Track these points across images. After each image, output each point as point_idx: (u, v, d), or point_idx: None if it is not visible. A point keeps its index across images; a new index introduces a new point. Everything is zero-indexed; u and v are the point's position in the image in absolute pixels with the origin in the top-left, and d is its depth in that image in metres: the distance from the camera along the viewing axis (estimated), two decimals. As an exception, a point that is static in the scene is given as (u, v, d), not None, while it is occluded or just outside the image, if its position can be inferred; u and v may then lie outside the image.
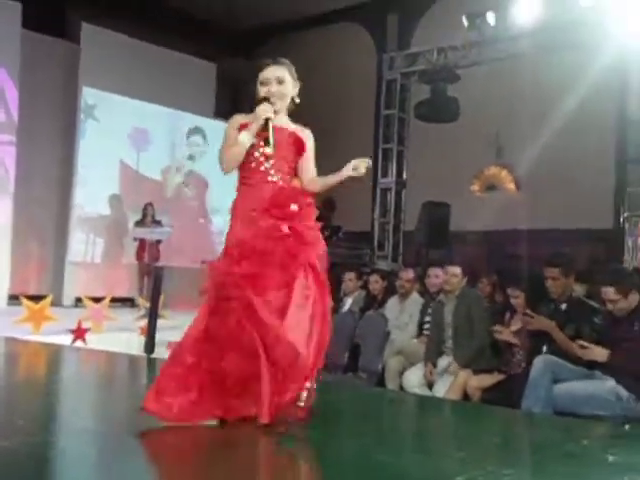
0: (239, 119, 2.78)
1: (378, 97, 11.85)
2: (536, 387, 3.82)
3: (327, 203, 10.28)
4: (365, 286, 6.31)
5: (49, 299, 6.44)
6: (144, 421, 2.55)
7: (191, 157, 11.98)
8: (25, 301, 6.21)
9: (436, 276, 5.53)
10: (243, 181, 2.74)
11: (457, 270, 5.10)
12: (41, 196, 10.38)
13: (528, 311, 4.16)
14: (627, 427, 3.22)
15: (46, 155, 10.42)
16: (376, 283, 6.13)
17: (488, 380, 4.52)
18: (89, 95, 10.51)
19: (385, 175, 11.41)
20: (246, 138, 2.69)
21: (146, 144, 11.31)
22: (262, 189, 2.69)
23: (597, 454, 2.65)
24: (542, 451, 2.66)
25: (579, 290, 4.77)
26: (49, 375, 4.37)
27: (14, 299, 8.44)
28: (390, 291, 6.12)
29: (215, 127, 12.09)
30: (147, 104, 11.05)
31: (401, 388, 5.02)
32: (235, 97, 13.76)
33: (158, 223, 9.97)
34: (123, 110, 10.74)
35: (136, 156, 11.20)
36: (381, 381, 5.10)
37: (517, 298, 4.63)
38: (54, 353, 5.02)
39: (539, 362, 3.93)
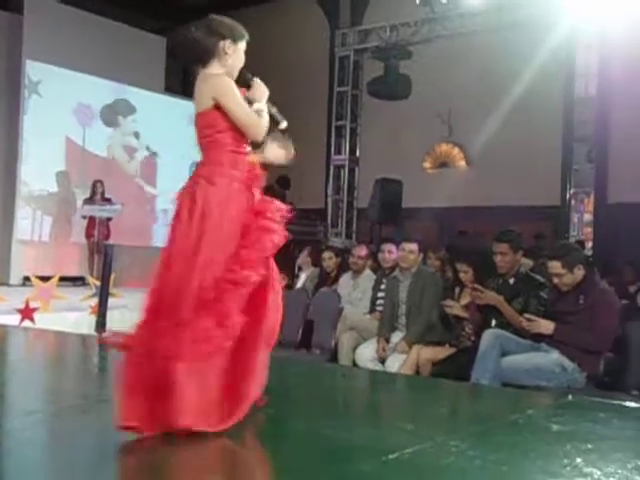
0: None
1: (331, 74, 11.81)
2: (485, 360, 3.92)
3: (281, 181, 10.24)
4: (319, 263, 6.34)
5: (-5, 278, 6.30)
6: (93, 402, 2.53)
7: (136, 134, 11.72)
8: (-30, 281, 6.05)
9: (389, 252, 5.59)
10: (231, 149, 2.49)
11: (414, 247, 5.15)
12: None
13: (477, 286, 4.23)
14: (570, 397, 3.34)
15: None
16: (330, 260, 6.16)
17: (439, 353, 4.61)
18: (33, 70, 10.17)
19: (338, 152, 11.43)
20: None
21: (92, 120, 11.04)
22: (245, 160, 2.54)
23: (542, 423, 2.74)
24: (489, 422, 2.74)
25: (526, 265, 4.89)
26: (-4, 356, 4.28)
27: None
28: (343, 268, 6.17)
29: (165, 102, 11.91)
30: (94, 78, 10.76)
31: (354, 364, 5.08)
32: (185, 71, 13.54)
33: (108, 201, 9.78)
34: (68, 85, 10.41)
35: (82, 132, 10.92)
36: (334, 357, 5.15)
37: (466, 273, 4.72)
38: (1, 333, 4.91)
39: (488, 336, 4.03)
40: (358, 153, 11.49)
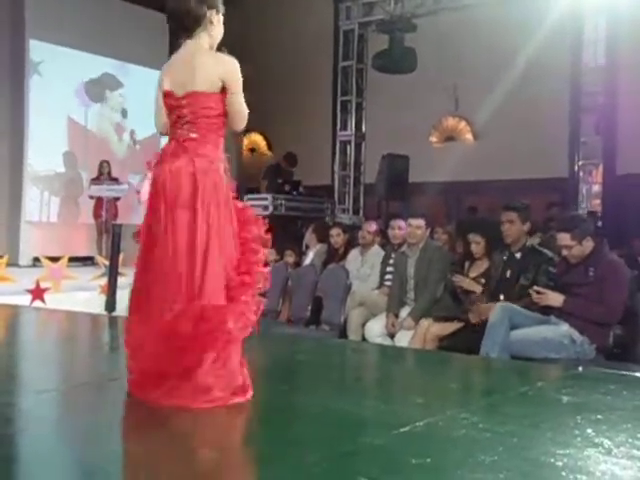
0: None
1: (335, 48, 11.70)
2: (493, 333, 3.93)
3: (289, 157, 10.21)
4: (327, 239, 6.34)
5: (5, 259, 6.34)
6: (105, 380, 2.55)
7: (124, 113, 11.56)
8: (-20, 262, 6.09)
9: (399, 228, 5.59)
10: (222, 133, 2.55)
11: (421, 222, 5.15)
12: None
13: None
14: (580, 369, 3.35)
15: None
16: (337, 236, 6.17)
17: (448, 328, 4.62)
18: (34, 49, 10.11)
19: (344, 128, 11.35)
20: None
21: (95, 99, 10.97)
22: None
23: (551, 395, 2.75)
24: (499, 394, 2.75)
25: (533, 240, 4.88)
26: (9, 336, 4.32)
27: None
28: (351, 244, 6.17)
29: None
30: (96, 57, 10.69)
31: (363, 339, 5.11)
32: (175, 30, 13.41)
33: (115, 180, 9.79)
34: (70, 64, 10.34)
35: (84, 112, 10.86)
36: (344, 333, 5.17)
37: (478, 244, 4.70)
38: (13, 314, 4.95)
39: (497, 309, 4.03)
40: (364, 128, 11.41)
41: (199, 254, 2.35)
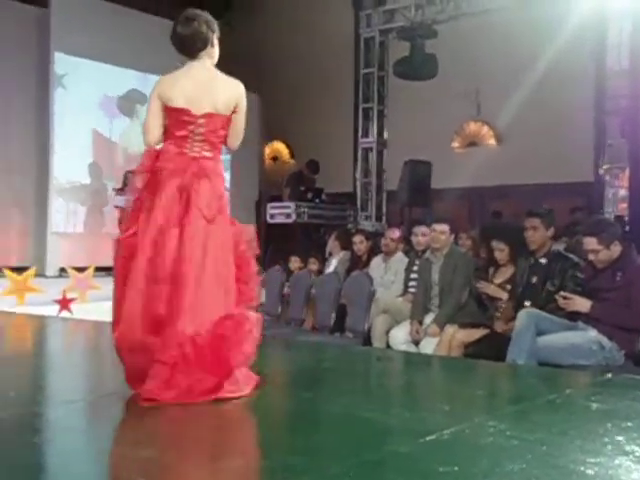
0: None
1: (356, 56, 11.71)
2: (520, 340, 3.89)
3: (311, 165, 10.22)
4: (350, 247, 6.33)
5: (33, 270, 6.42)
6: (131, 390, 2.57)
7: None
8: (8, 273, 6.17)
9: (422, 234, 5.56)
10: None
11: (445, 227, 5.12)
12: (20, 167, 10.22)
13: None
14: (609, 375, 3.29)
15: (22, 124, 10.24)
16: (360, 243, 6.15)
17: (474, 335, 4.58)
18: (58, 62, 10.26)
19: (366, 135, 11.34)
20: None
21: (118, 111, 11.10)
22: None
23: (581, 403, 2.71)
24: (527, 401, 2.71)
25: (558, 246, 4.82)
26: (37, 346, 4.37)
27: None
28: (374, 251, 6.16)
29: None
30: (120, 69, 10.83)
31: (388, 346, 5.08)
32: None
33: (139, 191, 9.88)
34: (93, 76, 10.48)
35: (109, 124, 11.00)
36: (368, 340, 5.15)
37: (502, 251, 4.67)
38: (40, 324, 5.01)
39: (523, 315, 3.99)
40: (386, 135, 11.39)
41: (228, 266, 2.58)
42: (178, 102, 2.64)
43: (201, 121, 2.63)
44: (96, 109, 10.77)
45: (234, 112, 2.69)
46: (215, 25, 2.78)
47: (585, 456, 1.93)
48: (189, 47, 2.72)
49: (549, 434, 2.16)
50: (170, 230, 2.53)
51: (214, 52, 2.78)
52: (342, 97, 12.10)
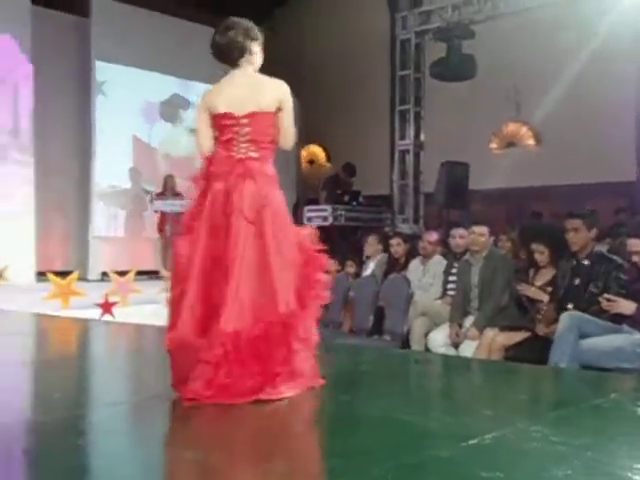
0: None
1: (392, 58, 11.67)
2: (562, 343, 3.83)
3: (347, 168, 10.21)
4: (387, 249, 6.31)
5: (76, 274, 6.54)
6: (174, 392, 2.59)
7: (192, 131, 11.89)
8: (52, 277, 6.30)
9: (461, 237, 5.51)
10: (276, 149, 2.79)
11: (484, 230, 5.07)
12: (62, 172, 10.45)
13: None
14: (656, 380, 3.22)
15: (64, 130, 10.47)
16: (398, 246, 6.13)
17: (514, 338, 4.52)
18: (98, 70, 10.46)
19: (403, 137, 11.29)
20: None
21: (158, 117, 11.26)
22: None
23: (627, 407, 2.65)
24: (571, 406, 2.66)
25: (601, 247, 4.73)
26: (80, 349, 4.46)
27: (41, 275, 8.57)
28: (412, 254, 6.12)
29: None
30: (159, 75, 10.99)
31: (426, 349, 5.05)
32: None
33: (179, 195, 10.00)
34: (133, 83, 10.66)
35: (148, 130, 11.16)
36: (406, 343, 5.12)
37: (542, 254, 4.60)
38: (84, 328, 5.11)
39: (565, 318, 3.93)
40: (423, 137, 11.33)
41: (273, 266, 2.55)
42: (221, 108, 2.69)
43: (244, 121, 2.66)
44: (136, 115, 10.95)
45: (279, 110, 2.71)
46: (255, 32, 2.80)
47: (633, 462, 1.89)
48: (227, 56, 2.77)
49: (595, 439, 2.12)
50: (217, 233, 2.59)
51: (254, 59, 2.80)
52: (378, 99, 12.07)
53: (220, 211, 2.60)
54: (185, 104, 11.68)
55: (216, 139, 2.73)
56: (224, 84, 2.77)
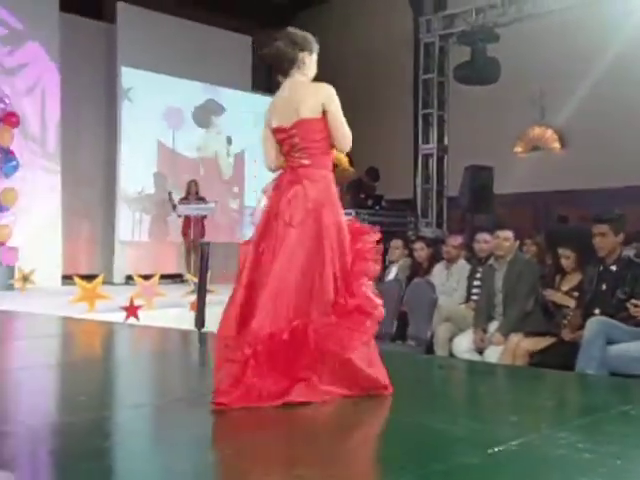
0: None
1: (416, 61, 11.65)
2: (590, 348, 3.78)
3: (371, 172, 10.20)
4: (410, 254, 6.28)
5: (101, 278, 6.60)
6: (198, 394, 2.61)
7: (228, 139, 12.01)
8: (78, 281, 6.37)
9: (485, 241, 5.47)
10: (329, 153, 2.79)
11: (509, 234, 5.03)
12: (88, 176, 10.58)
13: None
14: (686, 387, 3.16)
15: (90, 136, 10.60)
16: (421, 250, 6.10)
17: (540, 343, 4.47)
18: (124, 76, 10.57)
19: (426, 141, 11.25)
20: None
21: (181, 122, 11.35)
22: None
23: (656, 415, 2.61)
24: (598, 413, 2.62)
25: (629, 251, 4.66)
26: (105, 352, 4.49)
27: (67, 279, 8.67)
28: (435, 258, 6.09)
29: (252, 100, 12.10)
30: (183, 81, 11.07)
31: (451, 355, 5.01)
32: (271, 70, 13.68)
33: (202, 200, 10.06)
34: (158, 89, 10.74)
35: (172, 135, 11.25)
36: (430, 348, 5.09)
37: (568, 259, 4.55)
38: (109, 330, 5.15)
39: (592, 324, 3.87)
40: (446, 141, 11.28)
41: (322, 268, 2.59)
42: (274, 123, 2.75)
43: (293, 131, 2.70)
44: (160, 120, 11.03)
45: (325, 113, 2.69)
46: (307, 43, 2.78)
47: (663, 471, 1.86)
48: (276, 67, 2.79)
49: (623, 447, 2.08)
50: (266, 237, 2.66)
51: (306, 69, 2.79)
52: (402, 103, 12.04)
53: (272, 217, 2.68)
54: (219, 110, 11.80)
55: (281, 152, 2.79)
56: (276, 97, 2.80)
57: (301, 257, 2.59)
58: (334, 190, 2.72)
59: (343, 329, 2.56)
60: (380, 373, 2.68)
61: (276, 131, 2.75)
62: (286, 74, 2.77)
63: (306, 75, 2.79)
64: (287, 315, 2.54)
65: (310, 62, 2.80)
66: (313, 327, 2.54)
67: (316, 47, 2.82)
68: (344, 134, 2.73)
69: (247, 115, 11.90)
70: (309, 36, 2.82)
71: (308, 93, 2.72)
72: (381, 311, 2.70)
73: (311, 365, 2.53)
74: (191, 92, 11.35)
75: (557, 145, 11.20)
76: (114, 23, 10.54)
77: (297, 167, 2.72)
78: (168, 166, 11.12)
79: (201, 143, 11.67)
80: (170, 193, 10.25)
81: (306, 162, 2.71)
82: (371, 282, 2.70)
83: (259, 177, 12.17)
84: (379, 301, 2.70)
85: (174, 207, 10.06)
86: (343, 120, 2.72)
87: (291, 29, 2.83)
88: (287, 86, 2.77)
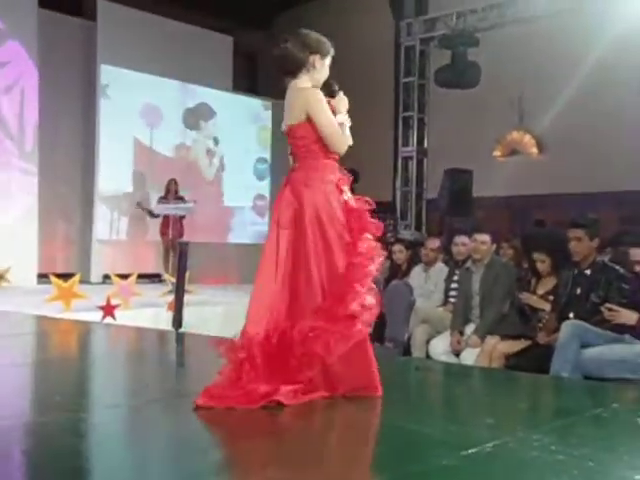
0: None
1: (397, 64, 11.70)
2: (564, 352, 3.82)
3: (350, 174, 10.20)
4: (389, 256, 6.31)
5: (78, 277, 6.53)
6: (174, 396, 2.59)
7: (215, 140, 11.99)
8: (54, 279, 6.30)
9: (463, 244, 5.51)
10: (324, 156, 2.74)
11: (486, 238, 5.07)
12: (65, 175, 10.48)
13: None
14: (657, 390, 3.21)
15: (68, 134, 10.49)
16: (400, 253, 6.13)
17: (516, 346, 4.52)
18: (104, 73, 10.49)
19: (406, 144, 11.31)
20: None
21: (160, 120, 11.28)
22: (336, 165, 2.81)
23: (628, 418, 2.65)
24: (572, 416, 2.66)
25: (603, 257, 4.73)
26: (81, 352, 4.46)
27: (43, 277, 8.58)
28: (414, 260, 6.12)
29: (232, 100, 12.08)
30: (163, 79, 11.01)
31: (428, 357, 5.04)
32: (253, 70, 13.67)
33: (181, 199, 10.01)
34: (132, 86, 10.63)
35: (149, 133, 11.17)
36: (407, 350, 5.12)
37: (543, 263, 4.60)
38: (85, 330, 5.10)
39: (567, 327, 3.92)
40: (426, 144, 11.35)
41: (302, 272, 2.59)
42: (283, 127, 2.77)
43: (288, 137, 2.74)
44: (136, 118, 10.92)
45: (310, 117, 2.65)
46: (317, 45, 2.73)
47: (633, 473, 1.89)
48: (283, 68, 2.74)
49: (596, 449, 2.11)
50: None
51: (316, 73, 2.74)
52: (382, 106, 12.09)
53: (274, 221, 2.72)
54: (210, 114, 11.77)
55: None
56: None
57: (288, 259, 2.60)
58: (325, 193, 2.67)
59: (330, 333, 2.53)
60: (372, 373, 2.67)
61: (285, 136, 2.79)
62: (295, 76, 2.72)
63: (315, 79, 2.74)
64: (278, 318, 2.55)
65: (321, 66, 2.75)
66: (299, 330, 2.53)
67: (330, 50, 2.77)
68: (332, 138, 2.69)
69: (225, 114, 11.90)
70: (322, 38, 2.77)
71: (293, 98, 2.69)
72: (373, 314, 2.66)
73: (300, 368, 2.53)
74: (170, 91, 11.28)
75: (535, 150, 11.32)
76: (94, 20, 10.45)
77: (291, 170, 2.76)
78: (146, 165, 11.03)
79: (181, 142, 11.60)
80: (139, 203, 10.18)
81: (297, 165, 2.73)
82: (366, 284, 2.64)
83: (238, 175, 12.18)
84: (372, 302, 2.64)
85: (150, 213, 10.00)
86: (328, 123, 2.67)
87: (304, 30, 2.76)
88: (289, 89, 2.74)
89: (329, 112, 2.70)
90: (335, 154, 2.74)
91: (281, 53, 2.70)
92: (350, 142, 2.81)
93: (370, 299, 2.64)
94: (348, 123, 2.81)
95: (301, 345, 2.51)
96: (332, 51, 2.79)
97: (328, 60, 2.79)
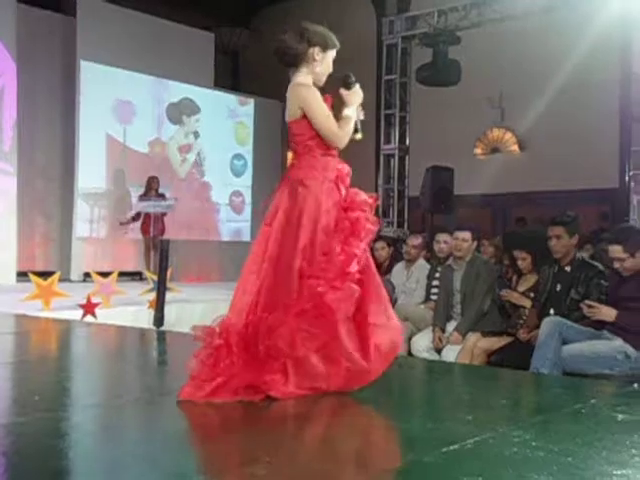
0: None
1: (379, 62, 11.72)
2: (544, 348, 3.85)
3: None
4: (371, 253, 6.32)
5: (57, 275, 6.47)
6: (155, 395, 2.58)
7: (196, 134, 11.93)
8: (34, 278, 6.23)
9: (445, 242, 5.53)
10: (322, 153, 2.71)
11: (467, 235, 5.09)
12: (45, 173, 10.38)
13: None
14: (636, 386, 3.24)
15: (47, 131, 10.38)
16: (382, 250, 6.14)
17: (497, 343, 4.55)
18: (84, 69, 10.37)
19: (388, 141, 11.34)
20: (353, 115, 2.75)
21: (133, 116, 11.17)
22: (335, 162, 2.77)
23: (606, 413, 2.67)
24: (551, 411, 2.68)
25: (583, 254, 4.77)
26: (61, 350, 4.41)
27: (22, 276, 8.49)
28: (396, 258, 6.14)
29: (214, 97, 12.02)
30: (140, 75, 10.91)
31: (409, 354, 5.06)
32: (234, 66, 13.62)
33: (162, 196, 9.96)
34: (107, 81, 10.53)
35: (122, 129, 11.06)
36: (389, 347, 5.12)
37: (524, 260, 4.64)
38: (65, 328, 5.06)
39: (547, 324, 3.95)
40: (408, 141, 11.38)
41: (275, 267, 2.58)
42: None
43: (289, 133, 2.73)
44: (109, 114, 10.80)
45: (305, 114, 2.64)
46: (318, 38, 2.70)
47: (612, 468, 1.90)
48: (282, 60, 2.71)
49: (574, 445, 2.13)
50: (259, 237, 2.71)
51: (316, 67, 2.71)
52: (364, 103, 12.04)
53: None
54: (194, 109, 11.70)
55: None
56: None
57: (273, 255, 2.59)
58: (321, 194, 2.64)
59: (296, 330, 2.50)
60: (348, 370, 2.63)
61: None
62: (296, 69, 2.71)
63: (316, 72, 2.71)
64: (257, 310, 2.55)
65: (322, 59, 2.71)
66: (269, 322, 2.52)
67: (333, 44, 2.74)
68: (327, 134, 2.66)
69: (209, 111, 11.85)
70: (324, 31, 2.74)
71: (290, 95, 2.68)
72: (346, 311, 2.59)
73: (266, 359, 2.52)
74: (145, 86, 11.19)
75: (516, 147, 11.41)
76: (74, 16, 10.34)
77: (290, 167, 2.75)
78: (117, 161, 10.90)
79: (160, 138, 11.51)
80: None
81: (295, 162, 2.73)
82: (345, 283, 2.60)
83: (217, 171, 12.13)
84: (345, 299, 2.57)
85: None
86: (323, 119, 2.65)
87: (306, 23, 2.74)
88: (291, 84, 2.72)
89: (324, 108, 2.67)
90: (334, 149, 2.72)
91: (279, 44, 2.68)
92: (359, 136, 2.79)
93: (346, 295, 2.59)
94: (361, 117, 2.79)
95: (267, 337, 2.50)
96: (337, 44, 2.76)
97: (331, 53, 2.75)
